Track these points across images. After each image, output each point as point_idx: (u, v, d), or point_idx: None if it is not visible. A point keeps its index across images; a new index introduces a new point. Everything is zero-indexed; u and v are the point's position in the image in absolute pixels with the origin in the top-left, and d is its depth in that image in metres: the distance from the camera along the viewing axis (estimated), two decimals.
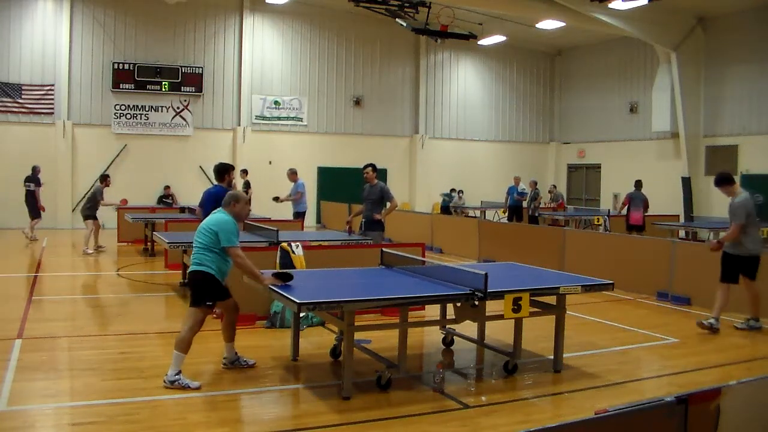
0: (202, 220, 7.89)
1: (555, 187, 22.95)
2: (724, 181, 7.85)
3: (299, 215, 13.69)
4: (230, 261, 5.58)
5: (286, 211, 14.60)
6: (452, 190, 22.45)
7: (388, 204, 10.05)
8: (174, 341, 5.43)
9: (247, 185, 17.19)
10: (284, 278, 5.45)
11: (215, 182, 8.30)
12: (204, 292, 5.46)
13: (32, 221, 15.74)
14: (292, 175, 14.11)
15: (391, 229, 17.15)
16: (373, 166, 10.25)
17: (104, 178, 14.55)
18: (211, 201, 7.98)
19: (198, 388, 5.27)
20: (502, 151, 25.18)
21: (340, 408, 4.97)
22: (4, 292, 9.40)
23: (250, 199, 16.81)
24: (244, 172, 18.39)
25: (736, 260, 7.76)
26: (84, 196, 16.21)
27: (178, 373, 5.31)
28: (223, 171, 8.21)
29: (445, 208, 21.95)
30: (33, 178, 15.99)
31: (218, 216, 5.56)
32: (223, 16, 20.96)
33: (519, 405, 5.21)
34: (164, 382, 5.30)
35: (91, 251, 13.54)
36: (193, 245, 5.60)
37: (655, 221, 15.52)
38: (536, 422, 4.79)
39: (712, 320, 7.65)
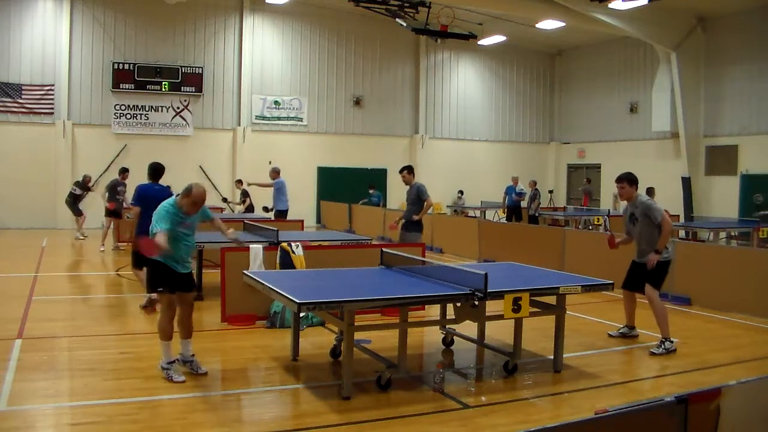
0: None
1: (589, 181, 22.96)
2: (634, 182, 7.08)
3: (281, 213, 13.67)
4: (183, 245, 5.61)
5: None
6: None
7: (425, 204, 9.96)
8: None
9: (245, 194, 17.16)
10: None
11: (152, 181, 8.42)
12: (154, 279, 5.55)
13: (80, 220, 16.35)
14: (274, 173, 14.00)
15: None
16: (408, 168, 10.14)
17: (85, 180, 16.26)
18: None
19: (182, 382, 5.42)
20: (502, 151, 25.18)
21: (340, 408, 4.97)
22: (4, 292, 9.40)
23: (252, 208, 16.96)
24: (239, 182, 18.23)
25: (641, 267, 7.07)
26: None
27: (169, 362, 5.52)
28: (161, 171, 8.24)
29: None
30: (80, 184, 16.40)
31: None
32: (223, 16, 20.97)
33: (519, 405, 5.20)
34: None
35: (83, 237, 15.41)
36: None
37: None
38: (536, 422, 4.78)
39: (668, 343, 6.80)
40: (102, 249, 13.84)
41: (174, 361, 5.53)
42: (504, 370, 5.95)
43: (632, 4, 16.26)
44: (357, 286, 5.97)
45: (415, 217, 9.80)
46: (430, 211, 11.02)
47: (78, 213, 16.16)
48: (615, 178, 7.41)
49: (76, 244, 15.50)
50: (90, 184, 16.61)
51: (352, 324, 5.17)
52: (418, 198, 9.84)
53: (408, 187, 10.08)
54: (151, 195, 7.62)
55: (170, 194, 8.37)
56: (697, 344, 7.28)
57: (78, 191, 16.18)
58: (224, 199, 19.04)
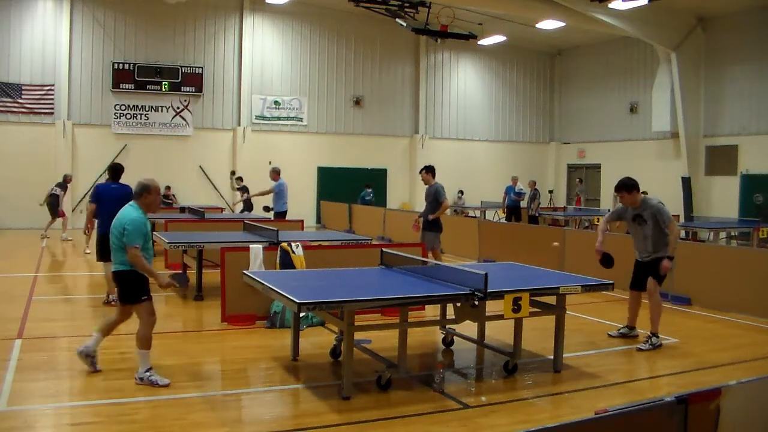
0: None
1: (581, 181, 23.02)
2: (632, 187, 7.01)
3: (279, 215, 13.67)
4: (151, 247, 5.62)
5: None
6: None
7: (441, 205, 10.28)
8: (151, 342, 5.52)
9: (244, 190, 17.14)
10: (180, 280, 5.62)
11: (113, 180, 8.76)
12: (136, 289, 5.46)
13: (63, 221, 16.31)
14: (274, 174, 13.84)
15: (392, 229, 17.17)
16: (427, 168, 10.48)
17: (65, 180, 16.24)
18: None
19: (167, 386, 5.29)
20: (502, 151, 25.18)
21: (340, 408, 4.97)
22: (4, 292, 9.40)
23: (251, 206, 16.90)
24: (239, 179, 18.32)
25: (646, 266, 7.11)
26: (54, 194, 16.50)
27: (148, 370, 5.37)
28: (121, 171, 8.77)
29: None
30: (61, 185, 16.30)
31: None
32: (223, 16, 20.96)
33: (519, 405, 5.20)
34: (135, 378, 5.39)
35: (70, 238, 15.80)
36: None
37: None
38: (536, 422, 4.78)
39: (655, 339, 6.91)
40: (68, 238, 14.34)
41: (151, 367, 5.41)
42: (504, 370, 5.95)
43: (632, 4, 16.26)
44: (357, 286, 5.97)
45: (431, 217, 10.13)
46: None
47: (57, 213, 16.04)
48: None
49: (66, 245, 15.43)
50: (69, 184, 16.59)
51: (352, 324, 5.17)
52: (435, 198, 10.05)
53: (427, 186, 10.44)
54: (106, 193, 8.44)
55: (129, 191, 8.39)
56: (697, 344, 7.28)
57: (58, 191, 16.07)
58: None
